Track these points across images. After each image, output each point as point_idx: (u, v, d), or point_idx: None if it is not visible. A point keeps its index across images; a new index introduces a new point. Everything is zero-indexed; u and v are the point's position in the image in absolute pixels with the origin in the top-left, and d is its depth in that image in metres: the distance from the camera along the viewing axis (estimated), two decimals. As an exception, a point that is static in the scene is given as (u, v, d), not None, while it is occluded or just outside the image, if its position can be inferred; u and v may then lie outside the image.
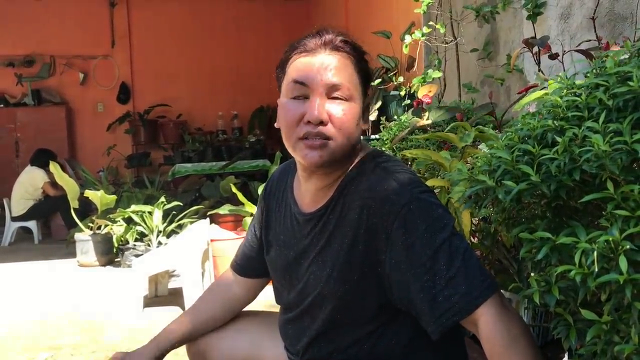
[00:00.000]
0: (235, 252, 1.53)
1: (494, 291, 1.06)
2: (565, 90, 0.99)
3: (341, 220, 1.18)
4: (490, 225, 1.39)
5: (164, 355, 1.46)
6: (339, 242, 1.18)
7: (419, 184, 1.16)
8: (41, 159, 6.56)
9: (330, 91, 1.14)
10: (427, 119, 2.27)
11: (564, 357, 1.24)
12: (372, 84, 3.74)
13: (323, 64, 1.14)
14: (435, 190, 1.36)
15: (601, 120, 0.85)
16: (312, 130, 1.13)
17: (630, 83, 0.84)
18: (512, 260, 1.44)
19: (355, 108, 1.16)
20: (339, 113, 1.13)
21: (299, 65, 1.16)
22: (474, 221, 1.49)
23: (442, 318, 1.05)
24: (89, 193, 5.19)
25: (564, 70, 1.22)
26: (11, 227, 6.59)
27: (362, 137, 1.25)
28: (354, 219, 1.16)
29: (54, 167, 5.63)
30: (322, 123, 1.13)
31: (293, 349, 1.32)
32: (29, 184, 6.51)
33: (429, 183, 1.43)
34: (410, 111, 3.33)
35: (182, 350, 1.58)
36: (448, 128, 1.74)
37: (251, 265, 1.46)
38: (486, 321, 1.04)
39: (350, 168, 1.21)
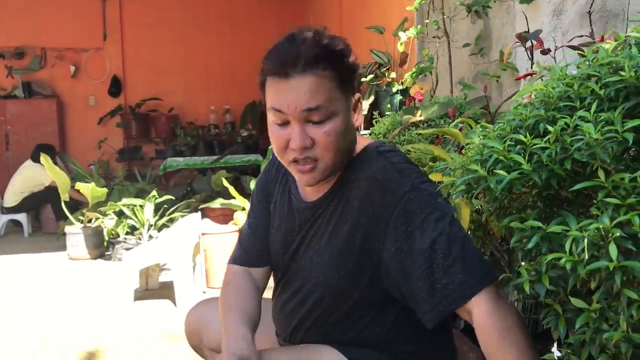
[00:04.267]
0: (233, 249, 1.49)
1: (490, 281, 1.07)
2: (557, 81, 0.99)
3: (341, 208, 1.20)
4: (481, 216, 1.39)
5: None
6: (338, 230, 1.20)
7: (419, 174, 1.18)
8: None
9: (310, 115, 1.12)
10: (420, 115, 2.27)
11: (553, 347, 1.25)
12: (364, 79, 3.74)
13: (297, 89, 1.11)
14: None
15: (593, 109, 0.85)
16: (299, 155, 1.15)
17: (622, 73, 0.84)
18: (504, 252, 1.45)
19: (339, 121, 1.14)
20: (322, 135, 1.13)
21: (274, 90, 1.14)
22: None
23: (439, 306, 1.07)
24: (80, 186, 5.16)
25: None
26: (0, 220, 6.54)
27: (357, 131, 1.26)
28: (355, 207, 1.18)
29: (44, 159, 5.58)
30: (307, 148, 1.14)
31: (282, 332, 1.35)
32: (32, 179, 6.45)
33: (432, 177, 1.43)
34: (402, 110, 3.33)
35: (179, 342, 1.58)
36: (453, 124, 1.74)
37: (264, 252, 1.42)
38: (481, 310, 1.05)
39: (351, 159, 1.22)
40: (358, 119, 1.21)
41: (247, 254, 1.43)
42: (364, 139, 1.28)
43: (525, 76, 1.75)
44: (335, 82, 1.13)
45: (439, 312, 1.07)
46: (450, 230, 1.08)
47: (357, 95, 1.21)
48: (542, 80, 1.59)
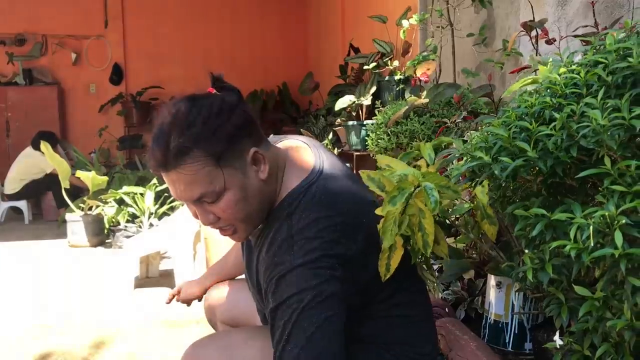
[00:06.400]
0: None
1: None
2: (563, 68, 0.98)
3: (261, 244, 1.22)
4: (473, 217, 1.38)
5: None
6: (257, 258, 1.25)
7: (307, 251, 1.12)
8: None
9: (201, 200, 1.12)
10: (425, 97, 2.26)
11: (555, 335, 1.25)
12: (367, 67, 3.69)
13: (177, 182, 1.11)
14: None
15: (600, 96, 0.84)
16: (213, 228, 1.18)
17: (630, 59, 0.83)
18: (499, 250, 1.45)
19: (232, 194, 1.12)
20: (220, 211, 1.13)
21: (165, 180, 1.15)
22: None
23: None
24: (80, 174, 5.15)
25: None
26: (1, 207, 6.54)
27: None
28: (266, 250, 1.20)
29: (44, 146, 5.57)
30: (213, 222, 1.16)
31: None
32: (33, 166, 6.43)
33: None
34: (409, 89, 3.31)
35: (179, 329, 1.61)
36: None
37: None
38: None
39: (274, 208, 1.20)
40: (264, 170, 1.16)
41: None
42: (298, 170, 1.23)
43: (519, 70, 1.75)
44: (211, 164, 1.09)
45: None
46: (298, 321, 1.09)
47: (252, 150, 1.14)
48: (535, 74, 1.59)
